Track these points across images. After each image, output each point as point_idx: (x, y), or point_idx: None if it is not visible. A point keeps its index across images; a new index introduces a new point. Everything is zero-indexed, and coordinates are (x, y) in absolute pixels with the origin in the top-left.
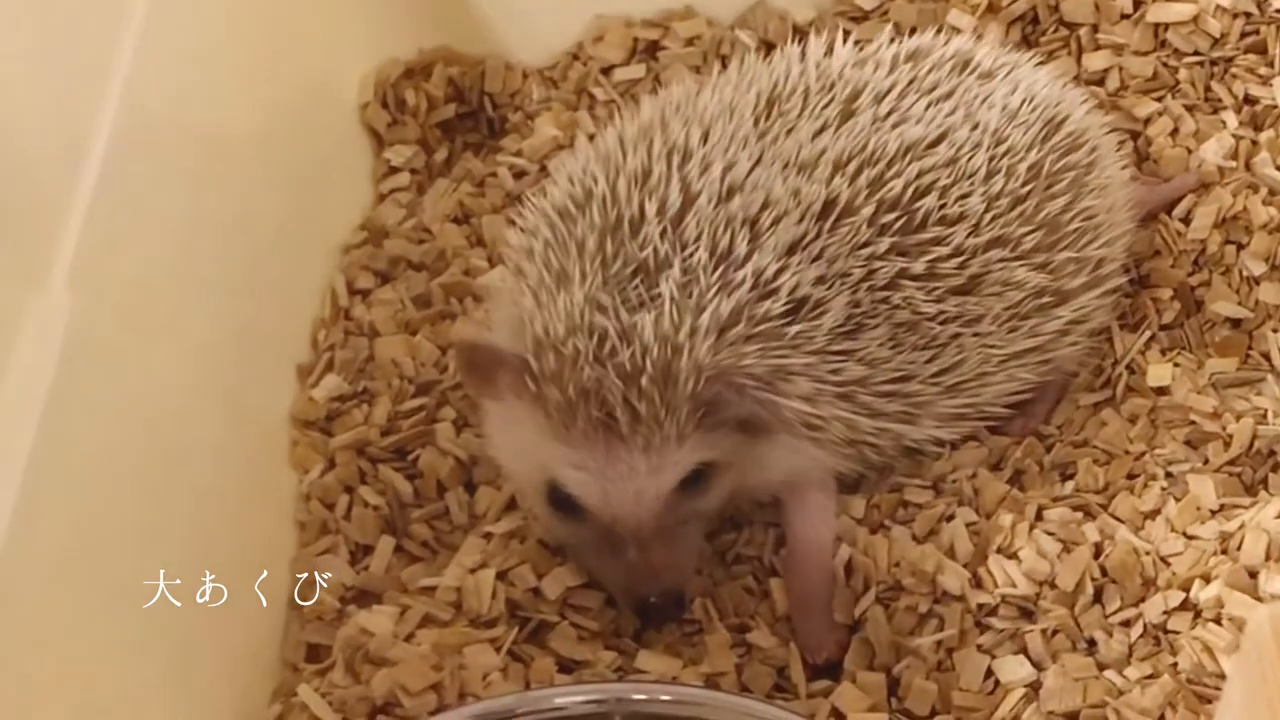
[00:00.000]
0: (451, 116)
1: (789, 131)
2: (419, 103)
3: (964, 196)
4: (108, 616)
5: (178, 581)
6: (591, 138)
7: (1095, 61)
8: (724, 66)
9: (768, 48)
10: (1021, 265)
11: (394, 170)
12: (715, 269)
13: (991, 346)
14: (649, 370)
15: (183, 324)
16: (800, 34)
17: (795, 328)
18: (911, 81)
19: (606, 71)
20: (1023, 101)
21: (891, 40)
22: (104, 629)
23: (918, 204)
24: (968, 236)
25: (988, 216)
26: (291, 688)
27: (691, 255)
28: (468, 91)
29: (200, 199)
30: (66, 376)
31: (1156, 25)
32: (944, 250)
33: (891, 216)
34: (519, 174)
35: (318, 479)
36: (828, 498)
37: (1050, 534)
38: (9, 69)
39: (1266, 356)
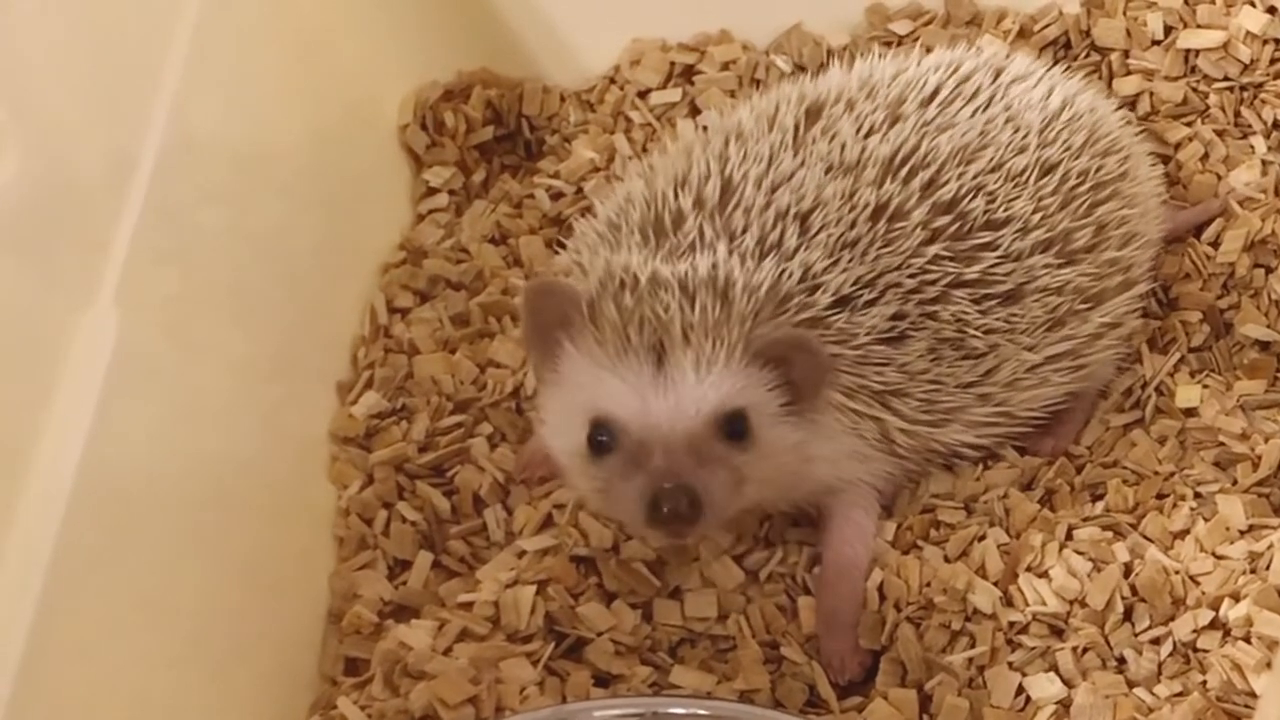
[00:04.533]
0: (489, 138)
1: (832, 136)
2: (458, 125)
3: (1011, 200)
4: (148, 628)
5: (218, 594)
6: (630, 158)
7: (1126, 86)
8: (759, 90)
9: (802, 72)
10: (1066, 268)
11: (433, 191)
12: (764, 257)
13: (1028, 352)
14: (706, 286)
15: (225, 340)
16: (835, 58)
17: (841, 319)
18: (953, 88)
19: (643, 95)
20: (1061, 105)
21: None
22: (144, 640)
23: (969, 207)
24: (1015, 240)
25: (1036, 218)
26: (331, 700)
27: (740, 243)
28: (506, 114)
29: (243, 218)
30: (113, 391)
31: (1187, 51)
32: (993, 255)
33: (945, 220)
34: (556, 195)
35: (356, 494)
36: (868, 518)
37: (1080, 553)
38: (60, 91)
39: None
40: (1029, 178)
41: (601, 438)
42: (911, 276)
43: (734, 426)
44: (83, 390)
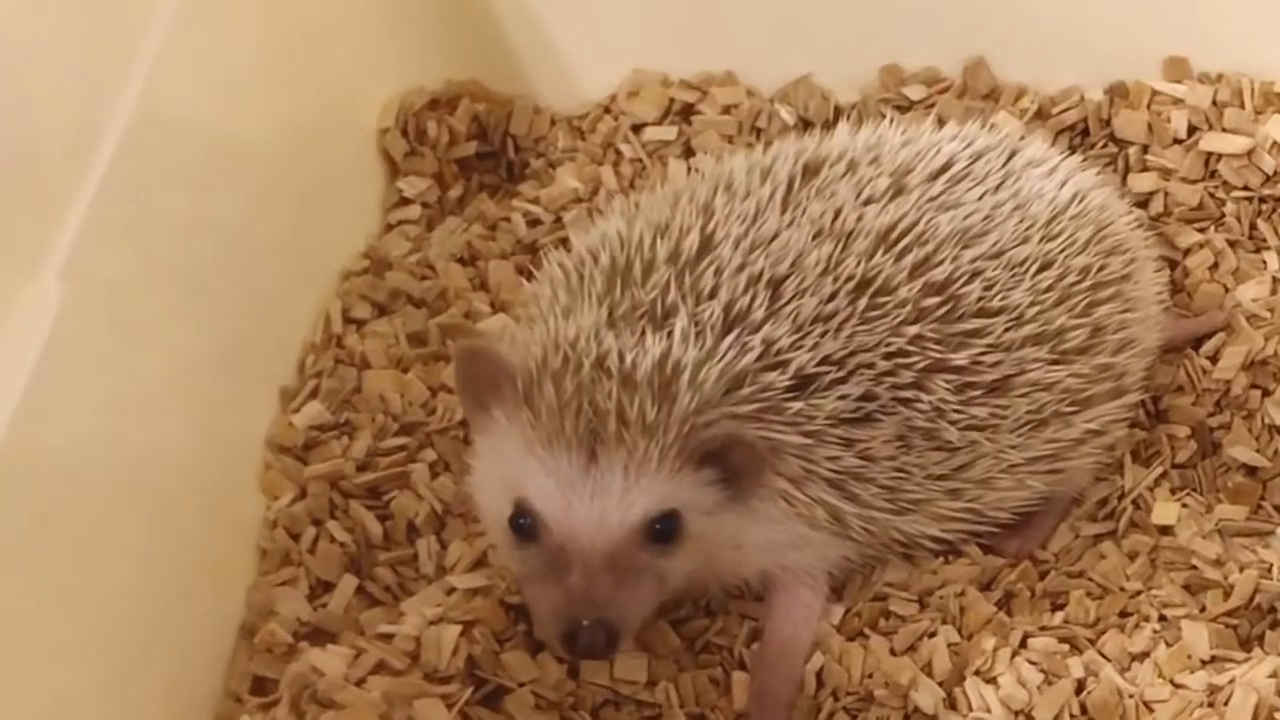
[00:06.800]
0: (471, 154)
1: (828, 198)
2: (440, 136)
3: (1009, 289)
4: (50, 618)
5: (129, 592)
6: (614, 193)
7: (1141, 183)
8: (758, 139)
9: (806, 126)
10: (1057, 366)
11: (405, 201)
12: (728, 330)
13: (1007, 451)
14: (649, 380)
15: (170, 329)
16: (842, 115)
17: (797, 405)
18: (964, 165)
19: (637, 129)
20: (1072, 198)
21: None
22: (43, 631)
23: (963, 291)
24: (1007, 330)
25: (1031, 310)
26: (233, 718)
27: (704, 310)
28: (492, 130)
29: (204, 206)
30: (47, 370)
31: (1209, 155)
32: (983, 343)
33: (934, 301)
34: (533, 222)
35: (286, 507)
36: (815, 599)
37: (1033, 663)
38: (29, 55)
39: (1279, 509)
40: (1029, 269)
41: (523, 521)
42: (886, 358)
43: (664, 528)
44: (15, 366)
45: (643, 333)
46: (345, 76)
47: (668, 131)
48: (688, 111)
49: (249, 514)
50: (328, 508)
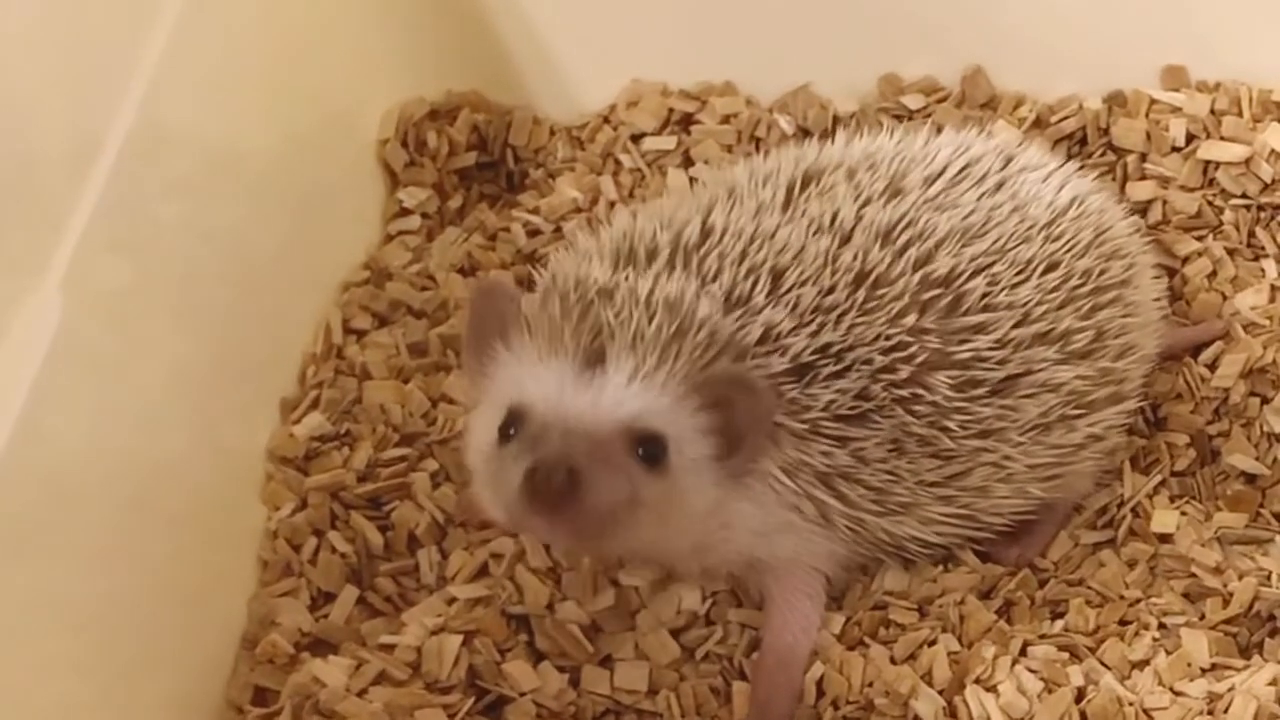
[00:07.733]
0: (471, 164)
1: (826, 200)
2: (440, 146)
3: (1014, 286)
4: (49, 628)
5: (129, 602)
6: (613, 204)
7: (1139, 191)
8: (757, 149)
9: (805, 135)
10: (1064, 366)
11: (405, 212)
12: (730, 312)
13: (1011, 457)
14: (667, 307)
15: (171, 340)
16: (840, 125)
17: (795, 390)
18: (960, 169)
19: (636, 139)
20: (1070, 201)
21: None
22: (43, 642)
23: (969, 286)
24: (1014, 327)
25: (1039, 310)
26: None
27: (708, 290)
28: (491, 141)
29: (204, 216)
30: (49, 379)
31: (1207, 163)
32: (988, 339)
33: (936, 293)
34: (533, 232)
35: (287, 518)
36: (813, 607)
37: (1033, 671)
38: (29, 66)
39: (1278, 517)
40: (1035, 269)
41: (511, 428)
42: (885, 352)
43: (649, 449)
44: (17, 375)
45: (654, 280)
46: (345, 87)
47: (667, 141)
48: (687, 121)
49: (250, 525)
50: (329, 518)
